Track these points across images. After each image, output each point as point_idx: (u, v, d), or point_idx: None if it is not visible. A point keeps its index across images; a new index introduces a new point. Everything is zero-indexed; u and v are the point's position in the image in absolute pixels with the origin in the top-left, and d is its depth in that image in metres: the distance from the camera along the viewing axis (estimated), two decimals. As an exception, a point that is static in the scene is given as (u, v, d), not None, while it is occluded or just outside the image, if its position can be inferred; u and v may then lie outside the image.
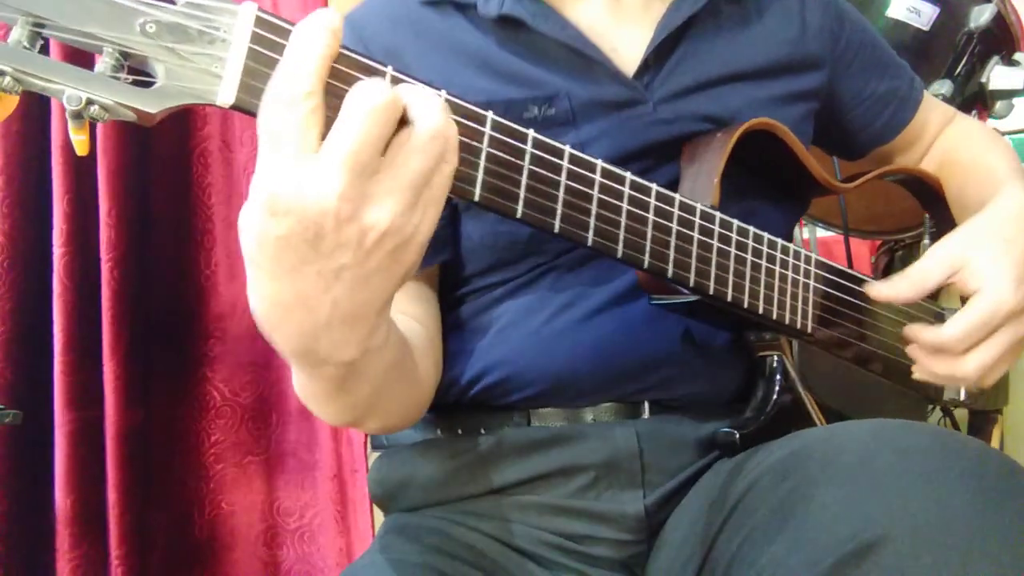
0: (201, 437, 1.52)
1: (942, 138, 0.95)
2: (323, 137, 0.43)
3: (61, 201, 1.38)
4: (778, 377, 0.75)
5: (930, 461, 0.51)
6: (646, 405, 0.74)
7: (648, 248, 0.62)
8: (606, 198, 0.60)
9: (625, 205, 0.61)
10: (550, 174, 0.57)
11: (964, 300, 0.73)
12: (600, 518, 0.72)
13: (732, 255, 0.68)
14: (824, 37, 0.84)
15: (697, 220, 0.66)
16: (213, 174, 1.55)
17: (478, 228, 0.74)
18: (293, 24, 0.45)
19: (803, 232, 1.65)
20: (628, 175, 0.61)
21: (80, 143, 0.41)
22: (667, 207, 0.64)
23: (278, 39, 0.45)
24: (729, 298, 0.68)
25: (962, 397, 0.88)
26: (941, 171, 0.92)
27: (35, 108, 1.37)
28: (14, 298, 1.39)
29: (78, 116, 0.40)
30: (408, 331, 0.68)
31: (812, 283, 0.75)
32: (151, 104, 0.41)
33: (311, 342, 0.49)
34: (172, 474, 1.49)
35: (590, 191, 0.59)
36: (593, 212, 0.59)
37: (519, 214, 0.55)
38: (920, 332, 0.73)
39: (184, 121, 1.54)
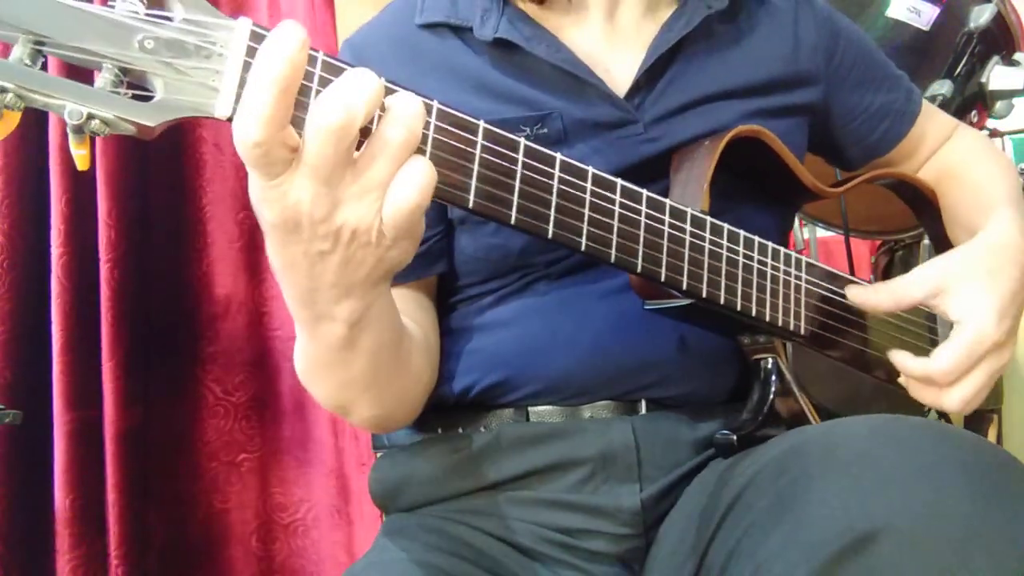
0: (194, 436, 1.54)
1: (942, 151, 0.96)
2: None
3: (59, 201, 1.39)
4: (773, 379, 0.76)
5: (926, 454, 0.52)
6: (643, 403, 0.76)
7: (641, 253, 0.64)
8: (598, 204, 0.61)
9: (617, 211, 0.62)
10: (543, 181, 0.58)
11: None
12: (597, 512, 0.73)
13: (724, 258, 0.70)
14: (818, 54, 0.86)
15: (688, 225, 0.67)
16: (205, 176, 1.56)
17: (471, 242, 0.76)
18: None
19: (803, 232, 1.67)
20: (619, 182, 0.63)
21: (81, 158, 0.42)
22: (658, 213, 0.65)
23: (273, 53, 0.47)
24: (722, 301, 0.69)
25: None
26: (938, 184, 0.93)
27: (33, 111, 1.38)
28: (13, 298, 1.40)
29: (79, 131, 0.41)
30: (406, 326, 0.71)
31: (803, 285, 0.77)
32: (150, 118, 0.43)
33: (307, 295, 0.56)
34: (168, 473, 1.51)
35: (582, 197, 0.60)
36: (586, 218, 0.60)
37: (513, 220, 0.57)
38: (906, 362, 0.75)
39: (177, 124, 1.58)
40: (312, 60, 0.48)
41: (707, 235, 0.69)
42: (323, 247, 0.51)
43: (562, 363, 0.75)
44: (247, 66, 0.46)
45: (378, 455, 0.86)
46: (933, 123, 0.96)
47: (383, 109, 0.49)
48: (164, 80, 0.43)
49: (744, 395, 0.78)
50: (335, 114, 0.46)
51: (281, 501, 1.59)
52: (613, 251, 0.62)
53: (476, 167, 0.55)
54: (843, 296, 0.80)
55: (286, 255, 0.53)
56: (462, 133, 0.54)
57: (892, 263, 1.35)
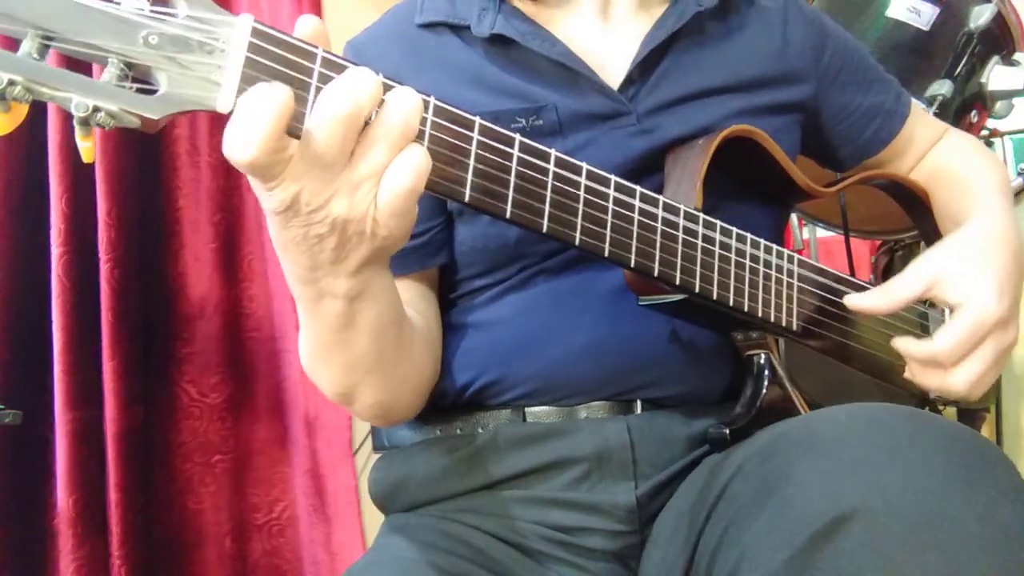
0: (169, 436, 1.56)
1: (932, 153, 0.99)
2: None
3: (59, 201, 1.41)
4: (766, 374, 0.78)
5: (901, 436, 0.54)
6: (638, 403, 0.77)
7: (634, 247, 0.66)
8: (592, 199, 0.63)
9: (611, 206, 0.64)
10: (537, 176, 0.60)
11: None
12: (593, 509, 0.75)
13: (716, 254, 0.71)
14: (807, 53, 0.88)
15: (681, 220, 0.69)
16: (181, 177, 1.58)
17: (470, 232, 0.79)
18: (289, 35, 0.49)
19: (803, 232, 1.69)
20: (613, 177, 0.65)
21: (86, 150, 0.44)
22: (651, 208, 0.67)
23: (274, 49, 0.49)
24: (715, 296, 0.71)
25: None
26: (929, 183, 0.95)
27: (32, 109, 1.40)
28: (12, 298, 1.42)
29: (85, 123, 0.43)
30: (408, 315, 0.73)
31: (796, 282, 0.78)
32: (154, 111, 0.45)
33: (308, 273, 0.58)
34: (150, 473, 1.52)
35: (576, 192, 0.62)
36: (580, 213, 0.62)
37: (508, 214, 0.59)
38: (909, 346, 0.76)
39: None
40: (312, 57, 0.50)
41: (700, 230, 0.70)
42: (320, 231, 0.54)
43: (558, 362, 0.77)
44: (248, 62, 0.48)
45: (378, 456, 0.88)
46: (923, 125, 0.99)
47: (380, 104, 0.52)
48: (168, 74, 0.45)
49: (738, 394, 0.79)
50: (344, 104, 0.49)
51: (255, 501, 1.61)
52: (607, 245, 0.64)
53: (472, 162, 0.57)
54: (835, 293, 0.81)
55: (286, 236, 0.55)
56: (458, 129, 0.56)
57: (892, 263, 1.37)
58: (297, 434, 1.62)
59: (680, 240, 0.69)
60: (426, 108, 0.55)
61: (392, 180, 0.52)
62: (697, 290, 0.70)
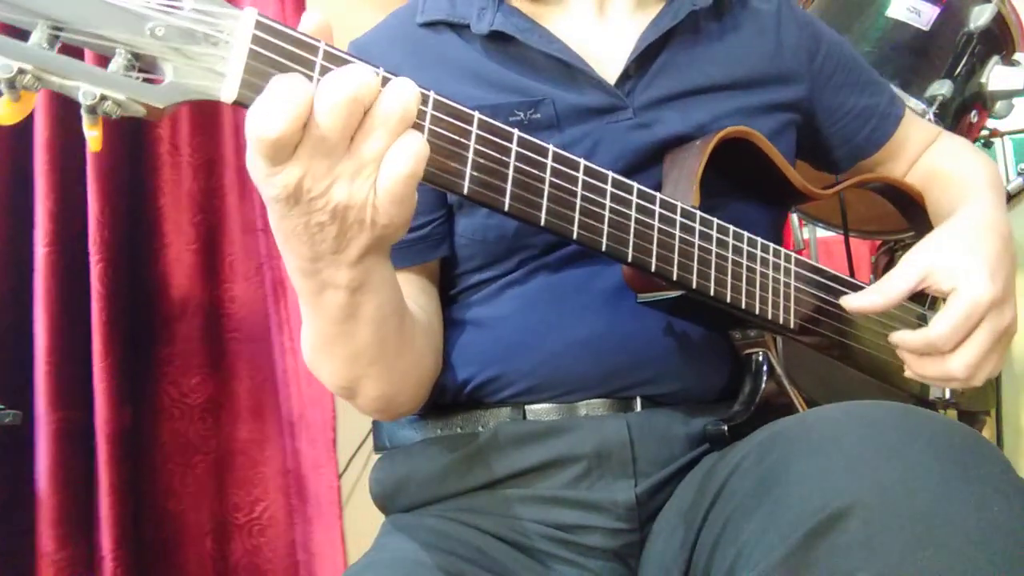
0: (150, 437, 1.56)
1: (926, 155, 1.02)
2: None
3: (45, 200, 1.42)
4: (764, 372, 0.80)
5: (897, 433, 0.56)
6: (638, 401, 0.79)
7: (631, 242, 0.68)
8: (589, 194, 0.65)
9: (608, 202, 0.66)
10: (535, 171, 0.62)
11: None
12: (593, 507, 0.77)
13: (713, 251, 0.73)
14: (800, 55, 0.91)
15: (678, 217, 0.71)
16: (162, 177, 1.60)
17: (469, 224, 0.81)
18: (292, 28, 0.51)
19: (803, 232, 1.71)
20: (610, 173, 0.67)
21: (94, 139, 0.46)
22: (648, 204, 0.69)
23: (277, 42, 0.51)
24: (712, 292, 0.73)
25: (947, 396, 0.93)
26: (923, 185, 0.98)
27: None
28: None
29: (92, 111, 0.45)
30: (409, 307, 0.75)
31: (793, 281, 0.80)
32: (160, 99, 0.47)
33: (309, 264, 0.60)
34: (129, 473, 1.52)
35: (574, 187, 0.64)
36: (577, 207, 0.65)
37: (507, 207, 0.61)
38: (906, 336, 0.78)
39: (135, 123, 1.60)
40: (314, 50, 0.52)
41: (697, 227, 0.72)
42: (321, 219, 0.55)
43: (557, 357, 0.79)
44: (252, 53, 0.50)
45: (379, 457, 0.90)
46: (916, 128, 1.02)
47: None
48: (173, 65, 0.47)
49: (737, 393, 0.81)
50: (346, 89, 0.51)
51: (236, 501, 1.62)
52: (604, 240, 0.66)
53: (471, 155, 0.59)
54: (832, 292, 0.83)
55: (287, 226, 0.57)
56: (457, 123, 0.58)
57: (892, 263, 1.39)
58: (278, 434, 1.63)
59: (677, 237, 0.71)
60: (426, 102, 0.57)
61: (391, 165, 0.54)
62: (694, 286, 0.72)
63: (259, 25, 0.50)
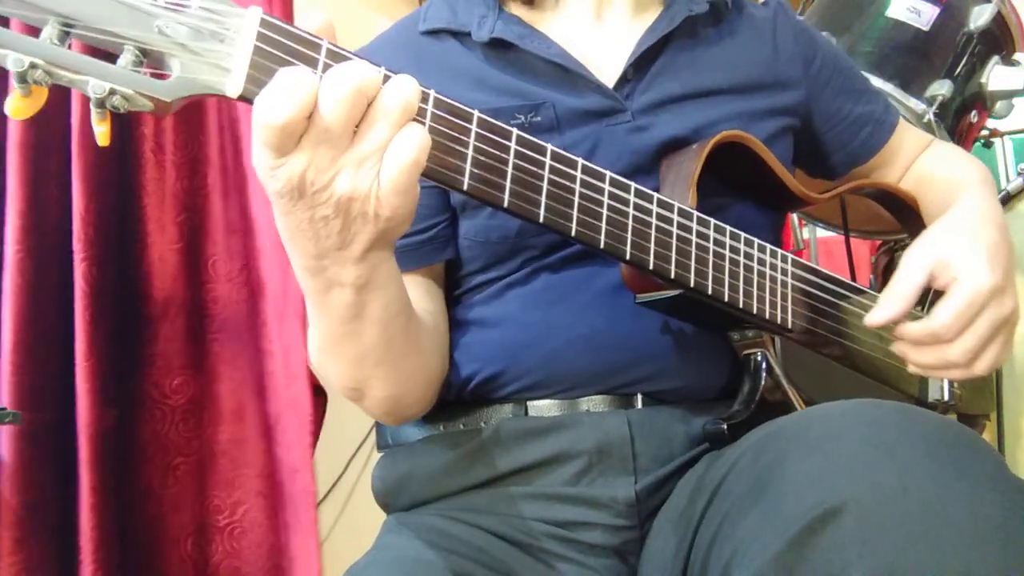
0: (131, 438, 1.55)
1: (919, 160, 1.05)
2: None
3: (15, 199, 1.40)
4: (763, 372, 0.82)
5: (891, 431, 0.57)
6: (639, 398, 0.81)
7: (629, 240, 0.70)
8: (587, 192, 0.67)
9: (606, 200, 0.68)
10: (534, 168, 0.65)
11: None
12: (593, 503, 0.78)
13: (711, 250, 0.75)
14: (796, 61, 0.94)
15: (675, 217, 0.73)
16: (145, 176, 1.59)
17: (472, 226, 0.84)
18: (296, 27, 0.53)
19: (803, 232, 1.73)
20: (608, 172, 0.69)
21: (102, 134, 0.48)
22: (646, 204, 0.71)
23: (281, 39, 0.53)
24: (709, 291, 0.75)
25: (946, 398, 0.95)
26: (917, 189, 1.01)
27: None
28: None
29: (101, 105, 0.47)
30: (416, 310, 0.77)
31: (790, 280, 0.82)
32: (167, 94, 0.49)
33: (315, 262, 0.62)
34: (110, 475, 1.51)
35: (572, 185, 0.66)
36: (575, 205, 0.67)
37: (506, 204, 0.63)
38: (907, 327, 0.80)
39: (121, 120, 1.59)
40: (317, 48, 0.54)
41: (694, 226, 0.74)
42: (325, 212, 0.57)
43: (558, 353, 0.81)
44: (257, 50, 0.52)
45: (381, 455, 0.91)
46: (910, 135, 1.05)
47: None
48: (180, 61, 0.49)
49: (737, 393, 0.83)
50: (350, 81, 0.53)
51: (218, 504, 1.61)
52: (602, 237, 0.68)
53: (470, 152, 0.61)
54: (829, 293, 0.86)
55: (292, 222, 0.59)
56: (457, 120, 0.61)
57: (892, 263, 1.40)
58: (259, 436, 1.63)
59: (675, 235, 0.73)
60: (426, 100, 0.59)
61: (394, 155, 0.56)
62: (692, 285, 0.74)
63: (264, 23, 0.52)
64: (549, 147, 0.66)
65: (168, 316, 1.60)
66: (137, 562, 1.55)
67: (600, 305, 0.81)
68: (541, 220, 0.65)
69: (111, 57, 0.49)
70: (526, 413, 0.82)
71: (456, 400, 0.85)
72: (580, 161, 0.67)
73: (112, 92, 0.47)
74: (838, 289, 0.86)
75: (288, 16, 1.65)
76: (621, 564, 0.79)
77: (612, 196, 0.69)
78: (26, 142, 1.43)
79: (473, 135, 0.61)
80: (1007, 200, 1.38)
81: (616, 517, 0.78)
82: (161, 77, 0.49)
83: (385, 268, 0.65)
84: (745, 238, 0.79)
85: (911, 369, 0.82)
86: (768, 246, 0.81)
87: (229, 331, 1.67)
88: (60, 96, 1.45)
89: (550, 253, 0.82)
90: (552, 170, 0.66)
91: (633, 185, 0.71)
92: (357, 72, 0.54)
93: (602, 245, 0.68)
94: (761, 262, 0.80)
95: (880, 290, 0.84)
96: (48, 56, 0.46)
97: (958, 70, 1.32)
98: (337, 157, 0.55)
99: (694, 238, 0.74)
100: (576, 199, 0.67)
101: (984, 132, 1.50)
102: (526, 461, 0.80)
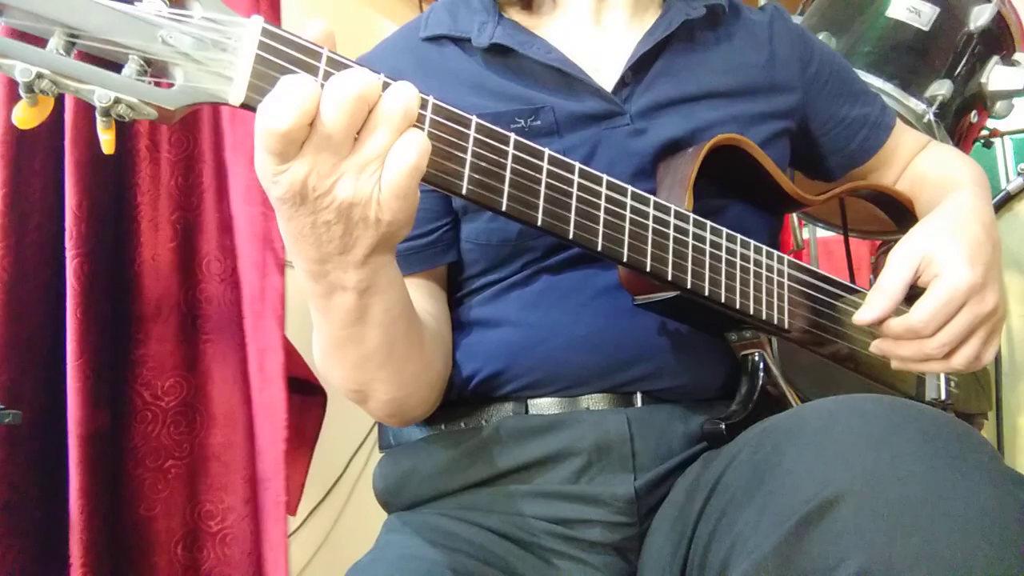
0: (121, 441, 1.55)
1: (915, 161, 1.07)
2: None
3: None
4: (761, 371, 0.84)
5: (886, 423, 0.59)
6: (638, 396, 0.83)
7: (626, 242, 0.71)
8: (584, 196, 0.69)
9: (603, 203, 0.70)
10: (532, 173, 0.66)
11: None
12: (593, 501, 0.80)
13: (707, 252, 0.77)
14: (793, 65, 0.96)
15: (672, 219, 0.75)
16: (140, 173, 1.59)
17: (473, 229, 0.86)
18: (296, 36, 0.55)
19: (803, 232, 1.75)
20: (605, 176, 0.71)
21: (107, 142, 0.50)
22: (643, 206, 0.73)
23: (282, 48, 0.55)
24: (706, 292, 0.77)
25: (943, 396, 0.97)
26: (912, 190, 1.03)
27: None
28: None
29: (106, 113, 0.49)
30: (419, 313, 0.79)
31: (786, 281, 0.84)
32: (171, 102, 0.51)
33: (318, 267, 0.64)
34: (100, 478, 1.50)
35: (569, 188, 0.68)
36: (573, 208, 0.68)
37: (504, 207, 0.65)
38: (888, 322, 0.81)
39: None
40: (318, 56, 0.56)
41: (690, 228, 0.76)
42: (327, 217, 0.59)
43: (558, 351, 0.83)
44: (259, 59, 0.54)
45: (382, 454, 0.93)
46: (907, 136, 1.07)
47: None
48: (183, 70, 0.51)
49: (735, 393, 0.85)
50: (351, 88, 0.55)
51: (210, 508, 1.60)
52: (600, 240, 0.70)
53: (469, 157, 0.63)
54: (825, 294, 0.87)
55: (294, 227, 0.60)
56: (456, 126, 0.62)
57: (888, 263, 1.42)
58: (241, 439, 1.62)
59: (671, 237, 0.75)
60: (425, 106, 0.61)
61: (395, 159, 0.58)
62: (689, 286, 0.76)
63: (265, 32, 0.54)
64: (547, 152, 0.68)
65: (161, 316, 1.59)
66: (127, 566, 1.54)
67: (600, 305, 0.83)
68: (539, 224, 0.67)
69: (116, 67, 0.50)
70: (527, 411, 0.84)
71: (458, 399, 0.87)
72: (577, 165, 0.69)
73: (117, 101, 0.49)
74: (834, 289, 0.88)
75: (276, 19, 1.65)
76: (621, 561, 0.81)
77: (609, 199, 0.71)
78: (9, 139, 1.41)
79: (471, 140, 0.63)
80: (1007, 200, 1.39)
81: (616, 514, 0.80)
82: (165, 86, 0.51)
83: (387, 272, 0.67)
84: (741, 240, 0.81)
85: (893, 365, 0.84)
86: (764, 247, 0.83)
87: (222, 332, 1.67)
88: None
89: (550, 255, 0.84)
90: (550, 174, 0.67)
91: (630, 188, 0.72)
92: (358, 79, 0.55)
93: (600, 248, 0.70)
94: (757, 263, 0.82)
95: None
96: (54, 66, 0.48)
97: (958, 70, 1.34)
98: (339, 163, 0.57)
99: (691, 240, 0.76)
100: (573, 203, 0.68)
101: (984, 132, 1.52)
102: (526, 459, 0.82)
